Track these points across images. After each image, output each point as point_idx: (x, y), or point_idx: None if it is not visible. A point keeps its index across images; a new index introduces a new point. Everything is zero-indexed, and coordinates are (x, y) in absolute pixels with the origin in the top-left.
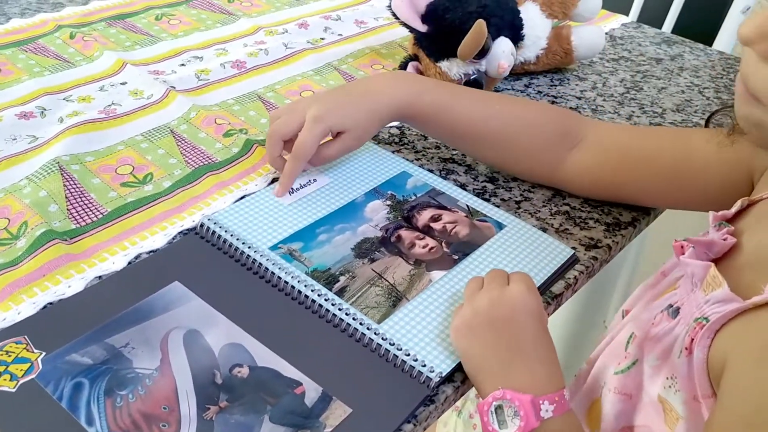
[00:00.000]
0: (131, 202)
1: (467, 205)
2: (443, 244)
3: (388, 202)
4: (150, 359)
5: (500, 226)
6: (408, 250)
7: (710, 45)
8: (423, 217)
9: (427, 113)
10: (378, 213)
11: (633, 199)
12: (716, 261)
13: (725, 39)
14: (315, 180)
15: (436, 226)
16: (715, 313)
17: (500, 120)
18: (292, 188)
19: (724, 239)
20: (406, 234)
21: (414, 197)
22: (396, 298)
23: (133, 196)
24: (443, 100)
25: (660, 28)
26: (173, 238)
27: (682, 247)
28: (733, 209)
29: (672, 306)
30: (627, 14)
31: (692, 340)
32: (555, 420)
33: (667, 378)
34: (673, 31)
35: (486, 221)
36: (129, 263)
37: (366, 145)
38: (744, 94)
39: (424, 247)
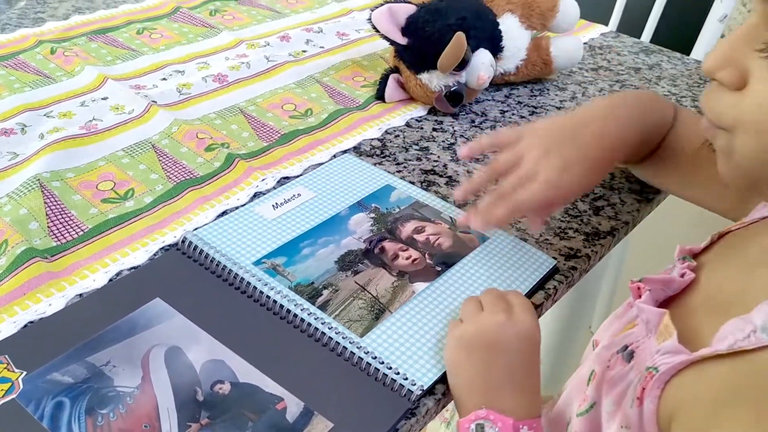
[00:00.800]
0: (112, 218)
1: (450, 217)
2: (426, 255)
3: (372, 215)
4: (131, 377)
5: (483, 237)
6: (391, 261)
7: (688, 54)
8: (406, 229)
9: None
10: (362, 226)
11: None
12: (674, 297)
13: (703, 48)
14: (299, 194)
15: (420, 237)
16: (664, 364)
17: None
18: (275, 203)
19: (682, 275)
20: (389, 246)
21: (397, 210)
22: (379, 311)
23: (114, 213)
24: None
25: (639, 37)
26: (155, 255)
27: (638, 288)
28: (702, 244)
29: (627, 348)
30: (606, 24)
31: (643, 389)
32: None
33: (622, 427)
34: (652, 41)
35: (469, 233)
36: (110, 280)
37: (349, 159)
38: (710, 128)
39: (407, 258)
